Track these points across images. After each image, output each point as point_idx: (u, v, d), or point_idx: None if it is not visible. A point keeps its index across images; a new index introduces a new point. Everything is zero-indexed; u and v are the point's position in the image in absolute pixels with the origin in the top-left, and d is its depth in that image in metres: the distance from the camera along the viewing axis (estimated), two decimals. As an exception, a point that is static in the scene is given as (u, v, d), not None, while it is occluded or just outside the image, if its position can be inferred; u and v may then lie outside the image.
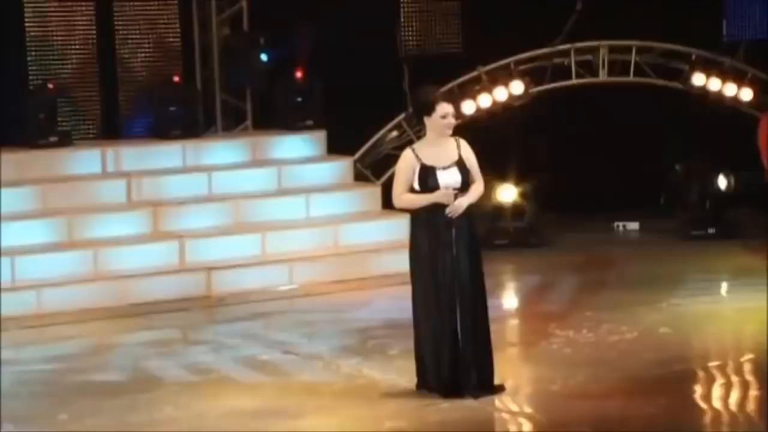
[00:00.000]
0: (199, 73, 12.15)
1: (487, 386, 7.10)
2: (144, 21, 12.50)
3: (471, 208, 7.03)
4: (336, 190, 11.57)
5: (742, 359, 8.19)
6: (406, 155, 7.14)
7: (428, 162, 7.02)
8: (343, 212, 11.11)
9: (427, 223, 7.14)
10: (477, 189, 7.12)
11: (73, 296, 10.19)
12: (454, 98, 11.35)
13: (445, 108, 7.07)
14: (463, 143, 7.23)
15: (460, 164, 7.01)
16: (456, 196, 7.00)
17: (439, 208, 7.00)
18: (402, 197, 7.16)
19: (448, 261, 7.08)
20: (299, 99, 11.99)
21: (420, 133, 8.37)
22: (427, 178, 6.99)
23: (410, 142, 8.54)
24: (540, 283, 10.88)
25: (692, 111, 12.42)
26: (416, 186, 7.04)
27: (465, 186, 7.00)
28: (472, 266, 7.14)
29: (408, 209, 7.33)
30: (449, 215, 7.02)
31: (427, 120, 7.11)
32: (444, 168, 7.00)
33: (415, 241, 7.18)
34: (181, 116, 11.62)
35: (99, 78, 12.27)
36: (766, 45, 12.96)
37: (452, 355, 7.08)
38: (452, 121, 7.22)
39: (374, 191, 11.31)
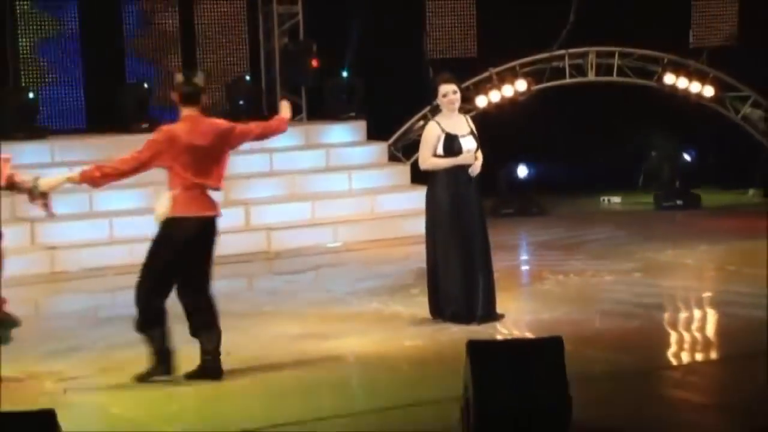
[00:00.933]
0: (264, 74, 13.81)
1: (491, 315, 8.23)
2: (219, 29, 14.02)
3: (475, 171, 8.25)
4: (373, 168, 13.01)
5: (703, 295, 9.52)
6: (431, 126, 8.23)
7: (451, 131, 8.02)
8: (378, 185, 12.54)
9: (449, 182, 8.14)
10: (481, 157, 8.16)
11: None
12: (468, 92, 12.76)
13: (444, 88, 8.17)
14: (470, 118, 8.48)
15: (473, 134, 8.11)
16: (471, 156, 8.12)
17: (460, 169, 8.06)
18: (430, 160, 8.10)
19: (467, 214, 8.13)
20: (344, 95, 13.48)
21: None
22: (452, 143, 8.02)
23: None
24: (537, 242, 12.22)
25: (664, 104, 13.74)
26: (440, 151, 8.07)
27: (477, 150, 8.20)
28: (482, 218, 8.31)
29: (432, 170, 8.22)
30: (471, 173, 8.05)
31: (437, 101, 8.32)
32: (463, 136, 8.07)
33: (436, 198, 8.17)
34: (249, 108, 12.97)
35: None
36: (725, 51, 14.35)
37: (465, 290, 8.21)
38: (453, 97, 8.21)
39: (404, 169, 12.63)
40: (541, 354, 6.01)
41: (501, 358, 6.18)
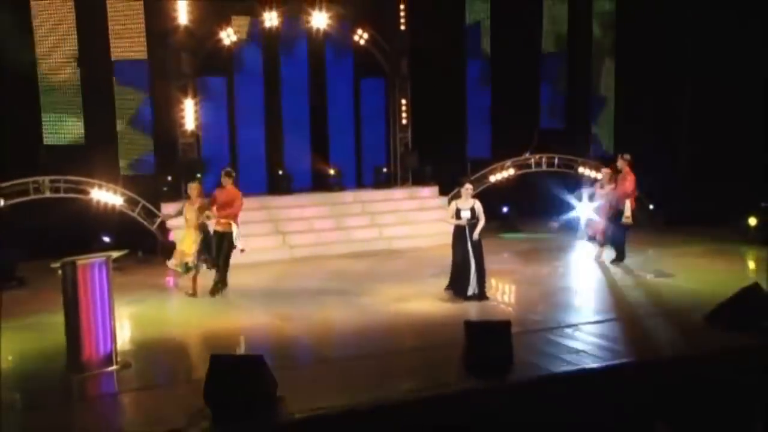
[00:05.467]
0: (393, 163, 19.89)
1: (482, 295, 12.20)
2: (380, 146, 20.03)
3: (477, 227, 12.02)
4: (441, 209, 17.65)
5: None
6: (452, 204, 12.26)
7: (459, 206, 12.03)
8: (442, 217, 15.02)
9: (458, 229, 12.16)
10: (481, 222, 11.94)
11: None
12: (484, 177, 18.36)
13: (466, 186, 12.30)
14: (477, 202, 12.15)
15: (472, 210, 11.98)
16: (468, 221, 11.92)
17: (462, 225, 12.06)
18: (449, 219, 12.20)
19: (466, 241, 12.02)
20: (428, 175, 19.35)
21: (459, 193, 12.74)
22: (459, 212, 12.04)
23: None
24: (517, 249, 16.85)
25: (573, 182, 18.02)
26: (454, 215, 12.13)
27: (473, 217, 11.94)
28: (477, 242, 12.05)
29: (452, 224, 12.22)
30: (467, 226, 11.95)
31: (460, 189, 12.47)
32: (464, 209, 11.99)
33: (454, 235, 12.21)
34: (388, 177, 19.43)
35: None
36: (608, 158, 18.10)
37: (465, 278, 12.16)
38: (469, 190, 12.24)
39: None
40: (499, 328, 9.28)
41: (480, 330, 9.34)
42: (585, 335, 10.53)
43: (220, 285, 13.28)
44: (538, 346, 9.91)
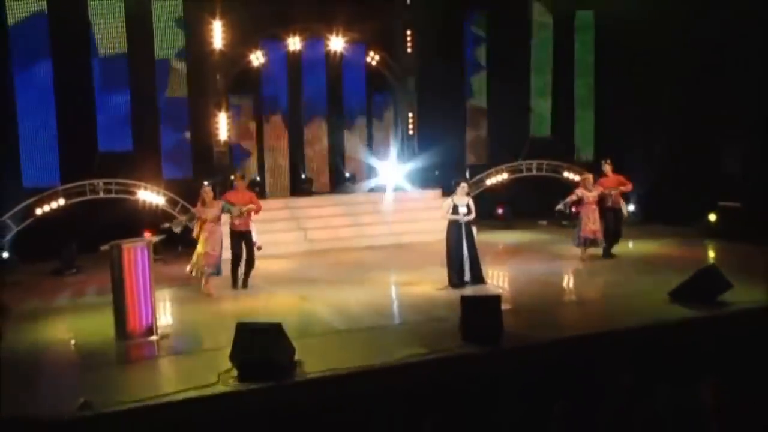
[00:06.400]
0: None
1: (480, 278, 12.20)
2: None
3: (470, 219, 12.02)
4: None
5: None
6: (449, 199, 12.14)
7: (456, 202, 11.99)
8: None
9: (453, 223, 12.11)
10: (473, 216, 12.00)
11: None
12: (481, 180, 18.39)
13: (462, 185, 12.17)
14: (470, 199, 12.15)
15: (467, 206, 11.96)
16: (463, 215, 11.90)
17: (458, 220, 11.99)
18: (445, 213, 12.11)
19: (461, 233, 12.02)
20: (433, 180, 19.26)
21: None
22: (456, 208, 12.00)
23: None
24: (510, 243, 16.98)
25: (565, 185, 17.56)
26: (451, 210, 12.05)
27: (468, 212, 11.97)
28: (470, 233, 12.11)
29: (448, 218, 12.10)
30: (463, 220, 11.89)
31: (456, 188, 12.16)
32: (461, 205, 11.96)
33: (449, 228, 12.17)
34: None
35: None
36: (590, 164, 18.82)
37: (460, 266, 12.13)
38: (464, 188, 12.10)
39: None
40: (491, 302, 9.43)
41: (474, 303, 9.48)
42: (566, 311, 11.02)
43: (246, 279, 13.09)
44: (526, 320, 10.13)
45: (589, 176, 15.06)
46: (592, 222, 14.47)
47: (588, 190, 14.48)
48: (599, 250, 14.55)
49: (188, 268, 12.45)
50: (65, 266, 14.73)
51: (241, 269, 12.93)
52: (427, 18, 19.32)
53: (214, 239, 12.27)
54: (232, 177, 13.24)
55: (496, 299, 9.49)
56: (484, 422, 7.22)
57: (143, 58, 17.28)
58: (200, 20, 17.52)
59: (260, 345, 8.25)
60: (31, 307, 12.24)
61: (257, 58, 18.70)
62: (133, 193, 16.27)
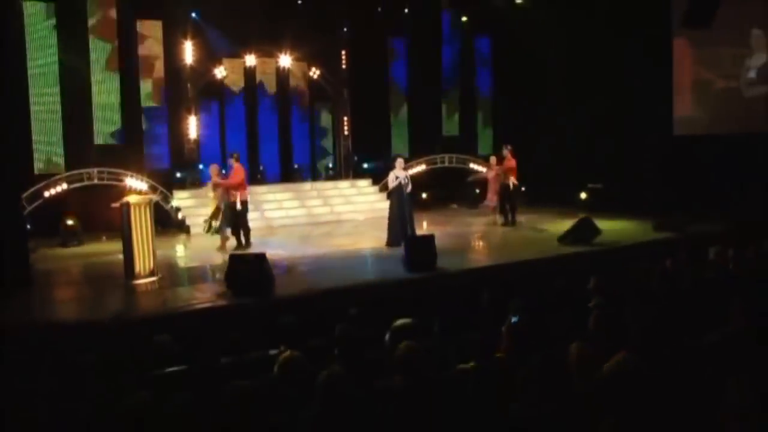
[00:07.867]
0: (338, 163, 20.57)
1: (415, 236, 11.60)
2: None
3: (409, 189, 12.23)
4: (374, 194, 18.33)
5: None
6: (391, 173, 12.33)
7: (397, 174, 12.25)
8: (372, 197, 18.00)
9: (396, 190, 12.31)
10: (410, 186, 12.28)
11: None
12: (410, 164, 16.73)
13: (399, 160, 12.64)
14: (407, 173, 12.58)
15: (406, 177, 12.27)
16: (401, 184, 12.14)
17: (399, 187, 12.21)
18: (391, 183, 12.26)
19: (402, 198, 12.20)
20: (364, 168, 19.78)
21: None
22: (397, 178, 12.23)
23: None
24: (431, 218, 16.61)
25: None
26: (394, 180, 12.27)
27: (407, 182, 12.24)
28: (409, 200, 12.35)
29: (393, 186, 12.28)
30: (402, 183, 12.14)
31: (394, 163, 12.58)
32: (401, 176, 12.25)
33: (393, 195, 12.43)
34: (335, 173, 20.59)
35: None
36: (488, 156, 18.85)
37: (403, 226, 12.18)
38: (401, 163, 12.54)
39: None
40: (428, 239, 10.19)
41: (415, 240, 10.49)
42: (477, 255, 11.72)
43: (245, 243, 12.79)
44: (453, 259, 10.63)
45: (493, 158, 15.77)
46: (491, 192, 15.40)
47: (490, 169, 15.37)
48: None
49: (204, 228, 12.64)
50: (69, 239, 14.40)
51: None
52: (359, 39, 19.50)
53: (220, 199, 12.55)
54: (230, 158, 13.06)
55: (431, 238, 10.03)
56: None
57: (130, 76, 17.20)
58: (175, 41, 17.63)
59: (249, 270, 8.60)
60: (49, 267, 11.96)
61: (220, 72, 18.72)
62: (121, 180, 16.04)
